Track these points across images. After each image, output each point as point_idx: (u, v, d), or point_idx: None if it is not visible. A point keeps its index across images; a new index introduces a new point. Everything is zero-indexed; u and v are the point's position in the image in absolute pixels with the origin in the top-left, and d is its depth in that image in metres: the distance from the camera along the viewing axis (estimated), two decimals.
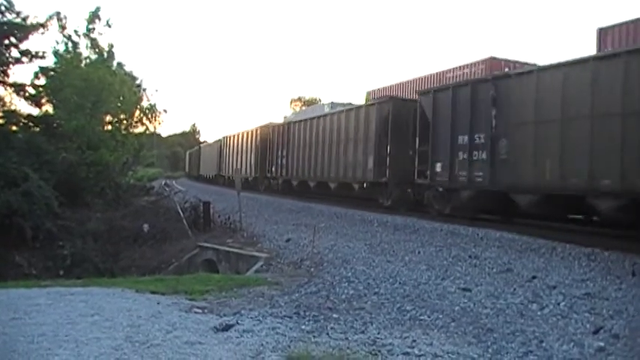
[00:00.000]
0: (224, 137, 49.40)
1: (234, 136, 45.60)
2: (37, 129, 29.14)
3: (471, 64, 27.22)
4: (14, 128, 28.63)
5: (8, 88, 28.98)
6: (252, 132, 39.97)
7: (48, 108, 31.59)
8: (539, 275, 10.29)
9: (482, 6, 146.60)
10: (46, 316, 7.31)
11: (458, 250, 13.20)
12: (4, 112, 28.85)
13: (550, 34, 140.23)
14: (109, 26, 36.21)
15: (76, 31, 35.36)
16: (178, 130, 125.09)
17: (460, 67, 27.67)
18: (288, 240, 15.70)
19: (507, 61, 25.26)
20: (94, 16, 35.60)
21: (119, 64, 39.71)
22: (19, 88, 29.28)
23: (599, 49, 20.98)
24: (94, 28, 35.68)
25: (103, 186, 31.24)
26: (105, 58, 36.87)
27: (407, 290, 9.67)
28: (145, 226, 23.39)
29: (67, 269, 20.24)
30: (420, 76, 30.93)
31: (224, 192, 34.43)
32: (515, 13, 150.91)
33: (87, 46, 35.88)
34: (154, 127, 43.38)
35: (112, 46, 37.63)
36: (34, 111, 30.77)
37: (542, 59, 18.93)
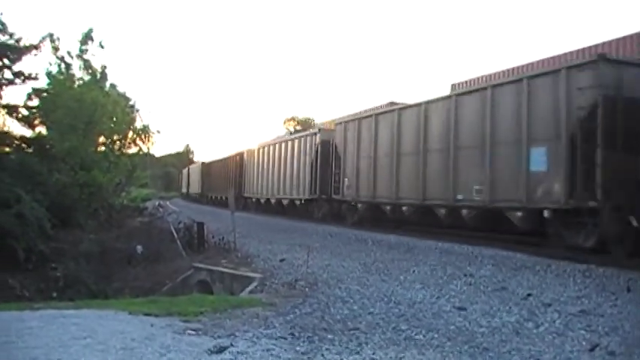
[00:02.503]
0: (261, 146, 41.81)
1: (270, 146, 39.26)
2: (30, 150, 29.07)
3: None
4: (7, 150, 28.56)
5: (1, 109, 28.95)
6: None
7: (41, 129, 31.58)
8: (535, 293, 10.27)
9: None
10: (39, 339, 7.24)
11: (452, 269, 13.19)
12: None
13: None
14: (102, 47, 36.32)
15: (69, 53, 35.46)
16: (172, 151, 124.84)
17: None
18: (282, 260, 15.65)
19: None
20: (87, 38, 35.69)
21: (112, 85, 39.83)
22: (11, 110, 29.26)
23: None
24: (86, 50, 35.78)
25: (96, 207, 31.18)
26: (98, 79, 36.92)
27: (402, 310, 9.62)
28: (139, 248, 23.29)
29: (60, 291, 20.11)
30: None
31: (220, 212, 34.33)
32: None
33: (80, 67, 35.98)
34: (148, 148, 43.39)
35: (104, 67, 37.75)
36: (27, 132, 30.76)
37: None
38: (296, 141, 34.32)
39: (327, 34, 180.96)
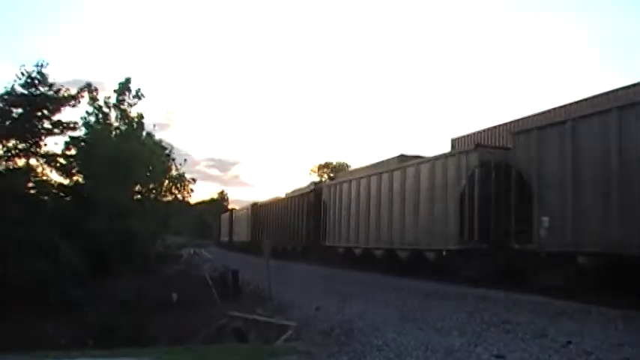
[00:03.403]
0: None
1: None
2: (68, 198, 29.46)
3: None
4: (45, 197, 28.97)
5: (40, 158, 29.41)
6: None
7: (78, 177, 31.96)
8: (575, 340, 10.06)
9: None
10: None
11: (490, 316, 12.99)
12: (35, 182, 29.22)
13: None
14: (139, 98, 36.69)
15: (106, 103, 35.91)
16: (207, 197, 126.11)
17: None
18: (317, 308, 15.55)
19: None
20: (124, 88, 36.16)
21: (148, 134, 40.13)
22: (50, 159, 29.71)
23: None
24: (123, 100, 36.24)
25: (131, 254, 31.33)
26: (134, 128, 37.30)
27: (439, 358, 9.47)
28: (174, 295, 23.34)
29: (96, 338, 20.13)
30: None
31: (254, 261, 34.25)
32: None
33: (116, 117, 36.40)
34: (183, 196, 43.69)
35: (141, 116, 38.03)
36: (65, 180, 31.15)
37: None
38: (425, 166, 24.19)
39: (341, 91, 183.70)
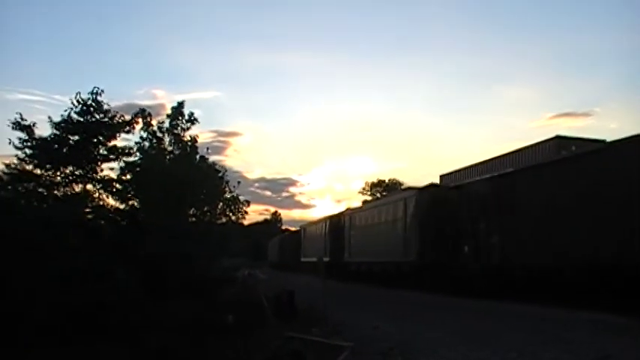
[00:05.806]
0: None
1: None
2: (124, 223, 29.80)
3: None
4: (102, 222, 29.35)
5: (97, 184, 29.83)
6: None
7: (134, 202, 32.35)
8: None
9: None
10: None
11: (548, 334, 12.76)
12: (92, 207, 29.62)
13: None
14: (192, 122, 37.01)
15: (160, 128, 36.30)
16: (260, 218, 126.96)
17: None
18: (375, 328, 15.46)
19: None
20: (177, 112, 36.52)
21: (202, 157, 40.46)
22: (106, 184, 30.13)
23: None
24: (177, 124, 36.61)
25: (188, 278, 31.51)
26: (188, 152, 37.63)
27: None
28: (230, 317, 23.35)
29: None
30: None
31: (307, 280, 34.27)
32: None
33: (170, 142, 36.76)
34: (237, 219, 43.87)
35: (194, 140, 38.31)
36: (121, 205, 31.54)
37: None
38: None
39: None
